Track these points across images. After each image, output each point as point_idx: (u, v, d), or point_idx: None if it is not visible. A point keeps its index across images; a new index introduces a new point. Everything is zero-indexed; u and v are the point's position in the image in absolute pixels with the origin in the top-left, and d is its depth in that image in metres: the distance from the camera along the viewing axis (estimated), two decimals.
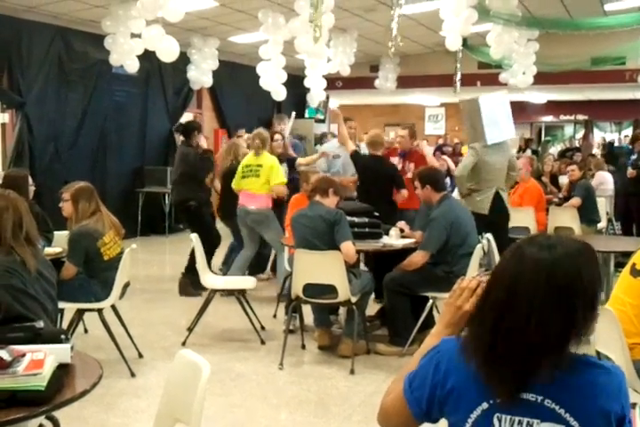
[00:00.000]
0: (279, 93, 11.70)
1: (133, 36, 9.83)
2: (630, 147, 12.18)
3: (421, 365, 1.84)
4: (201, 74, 12.85)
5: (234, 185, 7.69)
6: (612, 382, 1.73)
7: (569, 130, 24.28)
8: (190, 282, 7.77)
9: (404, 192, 7.27)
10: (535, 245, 1.76)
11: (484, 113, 7.37)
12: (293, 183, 8.09)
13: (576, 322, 1.71)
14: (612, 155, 15.48)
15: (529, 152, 17.37)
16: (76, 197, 5.18)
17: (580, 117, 22.41)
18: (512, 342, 1.70)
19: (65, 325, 5.25)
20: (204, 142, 8.56)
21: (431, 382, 1.79)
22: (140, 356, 5.58)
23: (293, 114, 10.30)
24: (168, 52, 9.60)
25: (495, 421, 1.73)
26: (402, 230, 6.32)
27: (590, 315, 1.73)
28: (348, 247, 5.36)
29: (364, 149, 8.19)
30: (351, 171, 7.88)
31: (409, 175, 7.90)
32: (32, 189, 6.15)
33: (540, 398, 1.70)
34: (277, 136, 8.55)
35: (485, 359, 1.72)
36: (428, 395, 1.80)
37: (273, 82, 11.35)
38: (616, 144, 20.03)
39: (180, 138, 9.21)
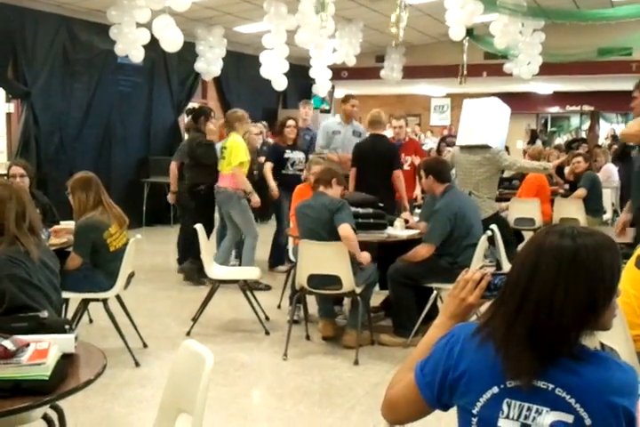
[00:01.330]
0: (280, 83, 11.68)
1: (139, 25, 9.82)
2: None
3: (435, 350, 1.86)
4: (208, 64, 12.83)
5: None
6: (628, 380, 1.74)
7: (575, 121, 24.21)
8: (197, 269, 7.79)
9: (398, 173, 7.29)
10: (556, 233, 1.77)
11: (462, 116, 7.82)
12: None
13: (595, 309, 1.73)
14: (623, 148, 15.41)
15: (539, 143, 17.32)
16: (73, 189, 5.16)
17: (587, 108, 22.34)
18: (531, 324, 1.72)
19: (70, 315, 5.26)
20: (213, 129, 8.46)
21: (444, 365, 1.80)
22: (145, 346, 5.59)
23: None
24: (172, 42, 9.57)
25: (504, 406, 1.74)
26: (406, 221, 6.32)
27: (608, 304, 1.75)
28: (346, 229, 5.31)
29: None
30: (351, 148, 7.83)
31: (405, 167, 7.95)
32: (24, 179, 6.02)
33: (551, 387, 1.71)
34: (291, 122, 8.34)
35: (505, 341, 1.73)
36: (440, 379, 1.81)
37: (274, 71, 11.34)
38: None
39: (185, 123, 9.11)
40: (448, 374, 1.80)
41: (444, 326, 1.96)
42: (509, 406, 1.73)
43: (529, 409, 1.72)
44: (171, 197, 8.50)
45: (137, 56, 10.13)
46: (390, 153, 7.41)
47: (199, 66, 12.85)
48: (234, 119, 7.71)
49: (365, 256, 5.51)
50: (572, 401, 1.69)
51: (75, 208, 5.18)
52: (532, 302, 1.72)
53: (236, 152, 7.47)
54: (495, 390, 1.74)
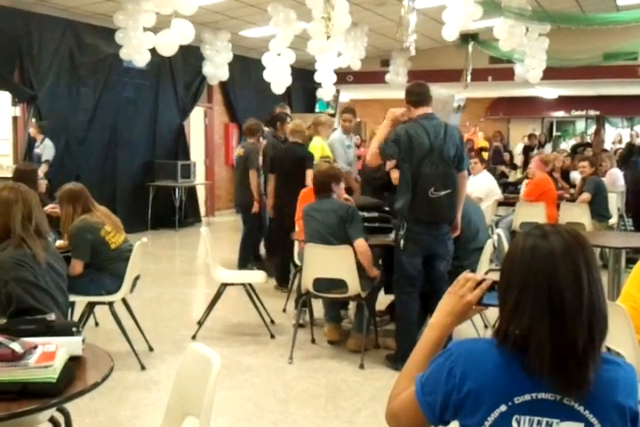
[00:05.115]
0: (279, 87, 11.70)
1: (145, 29, 9.85)
2: None
3: (433, 368, 1.80)
4: (216, 68, 12.86)
5: None
6: (628, 379, 1.74)
7: (580, 125, 24.20)
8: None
9: (310, 172, 7.35)
10: (543, 238, 1.76)
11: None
12: None
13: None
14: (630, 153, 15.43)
15: (548, 147, 17.31)
16: (60, 201, 5.20)
17: (592, 113, 22.33)
18: (571, 333, 1.69)
19: (76, 318, 5.26)
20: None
21: (445, 387, 1.75)
22: (151, 349, 5.59)
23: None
24: (169, 46, 9.58)
25: (514, 423, 1.71)
26: None
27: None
28: (362, 245, 5.35)
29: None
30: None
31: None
32: (44, 182, 6.15)
33: (558, 397, 1.69)
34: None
35: (548, 358, 1.69)
36: (441, 400, 1.76)
37: (278, 74, 11.37)
38: (627, 140, 20.05)
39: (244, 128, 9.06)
40: (451, 395, 1.75)
41: (441, 325, 1.91)
42: (519, 422, 1.70)
43: (539, 423, 1.70)
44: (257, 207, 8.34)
45: (141, 60, 10.14)
46: (302, 155, 7.65)
47: (206, 70, 12.88)
48: (317, 123, 8.10)
49: (375, 271, 5.53)
50: (581, 409, 1.68)
51: (61, 220, 5.21)
52: (565, 310, 1.70)
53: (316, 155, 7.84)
54: (503, 408, 1.71)
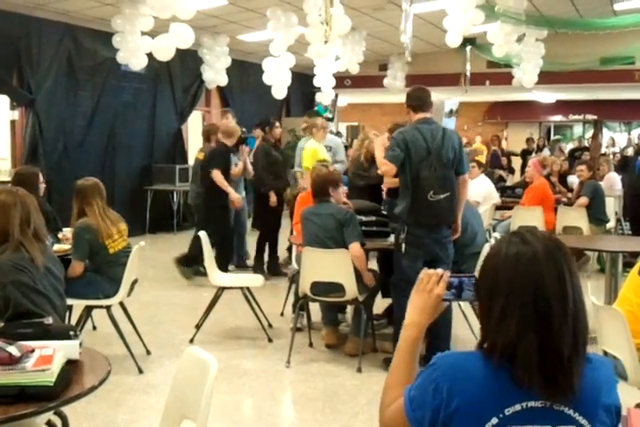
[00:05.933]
0: (280, 90, 11.72)
1: (143, 33, 9.86)
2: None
3: (419, 382, 1.78)
4: (215, 73, 12.87)
5: None
6: (609, 376, 1.76)
7: (578, 129, 24.25)
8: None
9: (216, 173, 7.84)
10: (524, 243, 1.76)
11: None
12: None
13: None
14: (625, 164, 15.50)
15: (546, 152, 17.36)
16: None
17: (589, 117, 22.38)
18: (557, 340, 1.69)
19: (73, 321, 5.26)
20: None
21: (432, 403, 1.72)
22: (148, 353, 5.59)
23: None
24: (166, 50, 9.59)
25: None
26: None
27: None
28: (356, 249, 5.35)
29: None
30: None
31: None
32: (42, 186, 6.15)
33: (548, 404, 1.69)
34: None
35: (539, 364, 1.68)
36: (430, 417, 1.73)
37: (277, 77, 11.39)
38: (624, 144, 20.12)
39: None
40: (439, 411, 1.71)
41: (416, 323, 1.95)
42: None
43: None
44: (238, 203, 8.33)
45: (137, 64, 10.13)
46: None
47: (206, 75, 12.88)
48: (311, 126, 8.33)
49: (370, 276, 5.53)
50: (571, 412, 1.69)
51: None
52: (553, 314, 1.69)
53: (305, 157, 8.14)
54: (494, 421, 1.68)
